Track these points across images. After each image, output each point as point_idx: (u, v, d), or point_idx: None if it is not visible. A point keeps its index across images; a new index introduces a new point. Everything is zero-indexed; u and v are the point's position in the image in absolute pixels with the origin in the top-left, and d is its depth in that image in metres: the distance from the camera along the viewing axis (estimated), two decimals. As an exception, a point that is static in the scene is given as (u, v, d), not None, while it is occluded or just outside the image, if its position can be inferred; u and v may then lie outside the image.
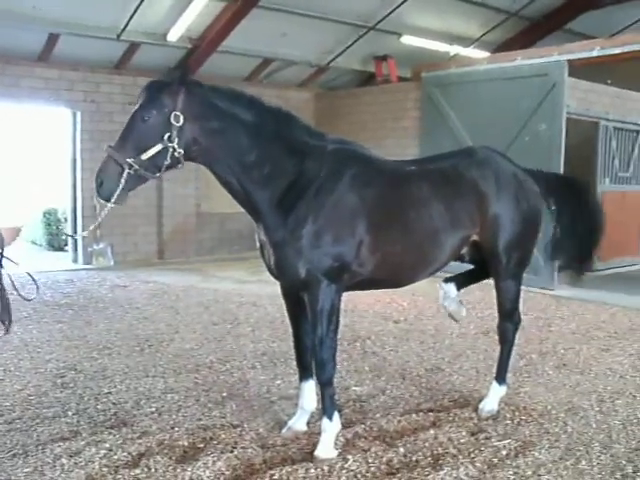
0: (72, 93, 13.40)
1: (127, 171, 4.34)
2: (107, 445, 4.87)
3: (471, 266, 5.76)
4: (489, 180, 5.25)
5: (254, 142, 4.60)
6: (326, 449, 4.71)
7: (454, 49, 15.54)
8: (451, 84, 13.08)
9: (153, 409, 5.65)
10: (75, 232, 13.90)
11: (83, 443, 4.92)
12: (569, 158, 11.82)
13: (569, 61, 11.44)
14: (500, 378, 5.70)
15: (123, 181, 4.34)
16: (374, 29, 14.27)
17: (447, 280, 5.69)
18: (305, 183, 4.67)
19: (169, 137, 4.38)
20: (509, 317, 5.60)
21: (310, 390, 5.14)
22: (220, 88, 4.74)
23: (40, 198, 17.25)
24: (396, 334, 8.29)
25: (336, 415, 4.81)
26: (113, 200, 4.40)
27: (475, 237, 5.30)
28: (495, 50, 15.74)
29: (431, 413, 5.53)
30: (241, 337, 8.12)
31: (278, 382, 6.40)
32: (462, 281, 5.77)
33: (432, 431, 5.12)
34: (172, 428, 5.21)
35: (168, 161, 4.44)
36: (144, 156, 4.37)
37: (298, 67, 15.49)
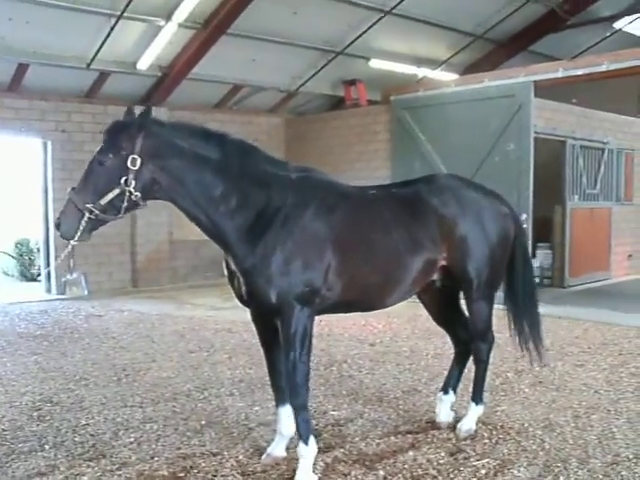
0: (43, 123, 13.37)
1: (87, 216, 4.46)
2: (85, 478, 4.84)
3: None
4: (450, 205, 5.33)
5: (218, 177, 4.67)
6: (305, 475, 4.70)
7: (422, 71, 15.75)
8: (420, 107, 13.25)
9: (132, 439, 5.62)
10: (48, 262, 13.83)
11: (61, 477, 4.88)
12: (538, 176, 12.03)
13: (535, 82, 11.68)
14: (477, 398, 5.75)
15: (83, 223, 4.46)
16: (342, 53, 14.45)
17: (446, 390, 5.87)
18: (272, 212, 4.73)
19: (126, 181, 4.45)
20: (482, 337, 5.63)
21: (287, 415, 5.09)
22: (182, 125, 4.83)
23: (12, 229, 17.12)
24: (372, 357, 8.33)
25: (312, 439, 4.77)
26: (75, 240, 4.54)
27: (443, 262, 5.34)
28: (463, 72, 16.00)
29: (409, 435, 5.56)
30: (218, 364, 8.10)
31: (256, 408, 6.39)
32: (457, 378, 6.01)
33: (411, 453, 5.16)
34: (152, 458, 5.18)
35: (125, 204, 4.52)
36: (103, 200, 4.47)
37: (268, 93, 15.60)
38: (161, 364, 8.12)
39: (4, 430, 5.94)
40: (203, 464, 5.02)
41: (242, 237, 4.69)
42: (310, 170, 5.21)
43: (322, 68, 14.79)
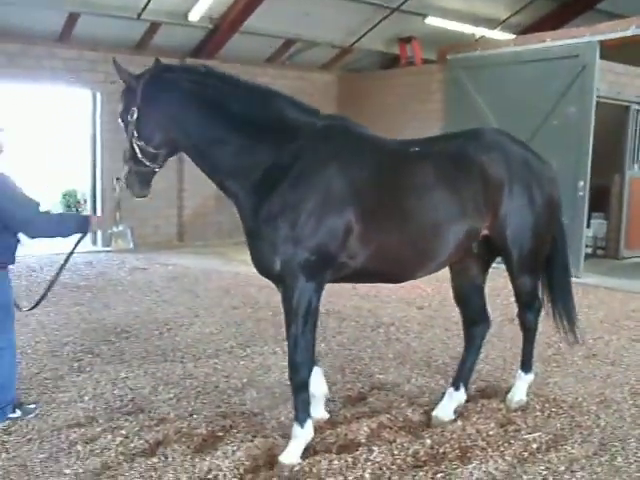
0: (92, 74, 13.21)
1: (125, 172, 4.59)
2: (123, 432, 4.73)
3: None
4: (499, 165, 4.76)
5: (219, 119, 4.39)
6: (291, 455, 4.32)
7: (480, 31, 15.19)
8: (477, 66, 12.77)
9: (171, 395, 5.51)
10: (94, 212, 13.80)
11: (99, 429, 4.79)
12: (597, 142, 11.52)
13: (601, 42, 11.11)
14: (526, 367, 5.49)
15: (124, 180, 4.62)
16: (398, 10, 13.98)
17: (456, 386, 5.23)
18: (285, 165, 4.32)
19: (132, 134, 4.42)
20: (529, 306, 5.29)
21: (318, 375, 4.81)
22: (194, 68, 4.62)
23: (60, 179, 17.16)
24: (420, 320, 8.10)
25: (309, 422, 4.44)
26: (136, 195, 4.77)
27: (485, 231, 4.83)
28: (522, 32, 15.38)
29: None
30: (262, 321, 7.96)
31: (299, 369, 6.23)
32: (469, 370, 5.38)
33: (459, 422, 4.94)
34: (190, 415, 5.06)
35: (140, 156, 4.46)
36: (130, 157, 4.54)
37: (321, 48, 15.24)
38: (204, 319, 8.00)
39: (46, 379, 5.90)
40: (243, 424, 4.89)
41: (249, 192, 4.37)
42: (342, 119, 4.77)
43: (377, 24, 14.35)
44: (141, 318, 8.05)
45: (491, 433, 4.78)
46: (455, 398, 5.15)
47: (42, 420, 4.99)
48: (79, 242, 5.62)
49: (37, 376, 5.95)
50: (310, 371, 4.49)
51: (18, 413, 5.03)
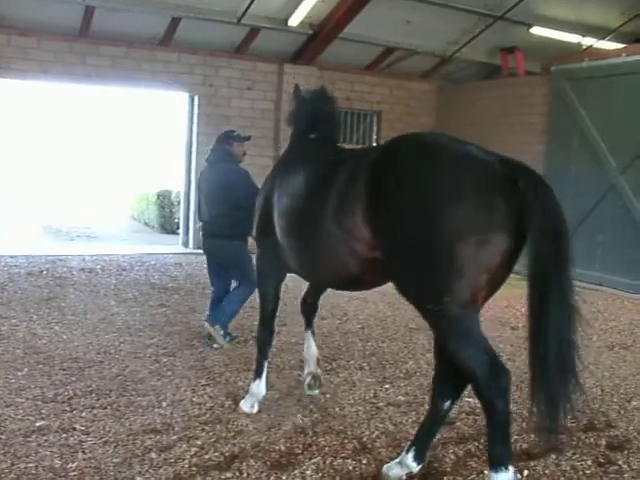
0: (191, 77, 13.35)
1: None
2: (199, 442, 4.58)
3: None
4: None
5: None
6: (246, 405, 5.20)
7: (587, 41, 14.48)
8: (583, 78, 12.18)
9: (251, 406, 5.33)
10: (187, 215, 13.88)
11: (175, 438, 4.66)
12: None
13: None
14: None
15: None
16: (502, 19, 13.48)
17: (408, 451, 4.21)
18: None
19: None
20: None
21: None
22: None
23: (155, 180, 17.43)
24: (513, 341, 7.68)
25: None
26: None
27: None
28: (634, 42, 14.60)
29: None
30: (349, 334, 7.73)
31: (386, 386, 5.94)
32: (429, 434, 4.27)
33: (553, 456, 4.56)
34: (269, 429, 4.85)
35: None
36: None
37: (421, 57, 14.90)
38: (290, 329, 7.78)
39: (126, 381, 5.82)
40: (323, 442, 4.65)
41: None
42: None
43: (480, 33, 13.89)
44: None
45: (588, 472, 4.39)
46: (406, 464, 4.18)
47: (119, 423, 4.89)
48: None
49: (117, 378, 5.88)
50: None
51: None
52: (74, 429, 4.77)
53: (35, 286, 9.59)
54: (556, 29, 13.95)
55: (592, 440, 4.91)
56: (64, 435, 4.66)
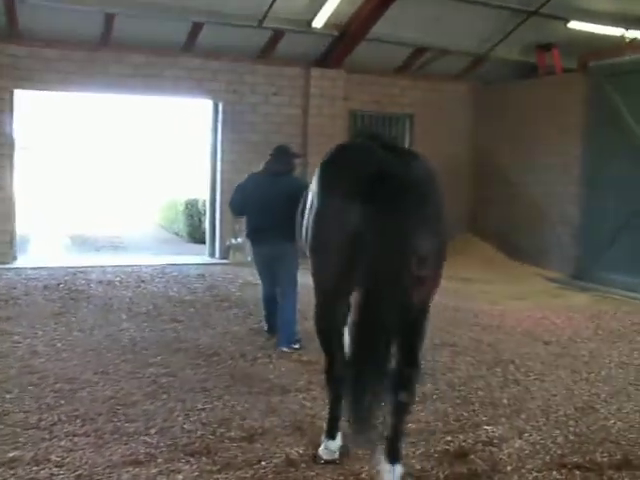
0: (214, 83, 12.97)
1: None
2: (180, 477, 4.14)
3: None
4: None
5: None
6: None
7: (631, 34, 13.65)
8: (625, 74, 11.48)
9: (245, 434, 4.85)
10: (213, 225, 13.53)
11: (155, 471, 4.27)
12: None
13: None
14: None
15: None
16: (537, 14, 12.78)
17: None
18: None
19: None
20: None
21: None
22: None
23: (183, 188, 17.14)
24: (544, 359, 7.08)
25: None
26: None
27: None
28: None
29: (578, 471, 4.36)
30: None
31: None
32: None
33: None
34: (259, 462, 4.38)
35: None
36: None
37: (453, 57, 14.29)
38: (306, 344, 7.29)
39: (117, 404, 5.44)
40: (316, 478, 4.16)
41: None
42: None
43: (513, 30, 13.21)
44: (238, 340, 7.50)
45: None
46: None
47: (99, 453, 4.49)
48: None
49: (109, 401, 5.48)
50: None
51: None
52: (48, 460, 4.38)
53: (48, 300, 9.29)
54: (596, 22, 13.22)
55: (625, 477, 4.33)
56: (35, 468, 4.27)
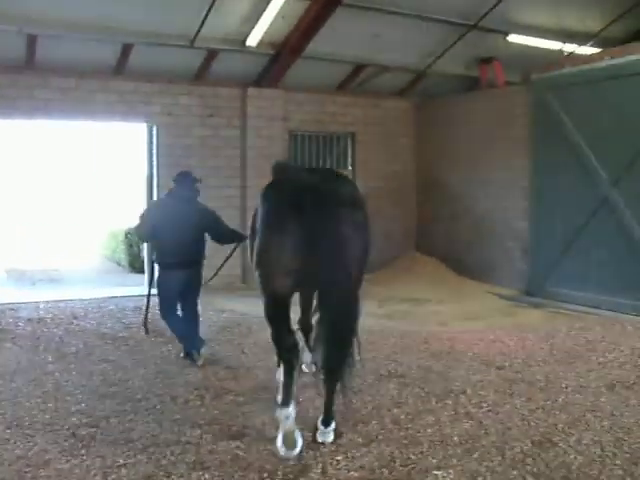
0: (148, 106, 12.46)
1: None
2: None
3: None
4: None
5: None
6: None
7: (568, 47, 13.59)
8: (566, 86, 11.30)
9: (167, 497, 4.35)
10: (151, 252, 12.93)
11: None
12: None
13: None
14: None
15: None
16: (476, 27, 12.61)
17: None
18: None
19: None
20: None
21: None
22: None
23: (123, 216, 16.54)
24: (498, 386, 6.69)
25: None
26: None
27: None
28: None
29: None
30: (306, 385, 6.71)
31: (339, 458, 4.93)
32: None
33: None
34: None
35: None
36: None
37: (394, 73, 14.01)
38: (242, 383, 6.83)
39: (28, 465, 4.85)
40: None
41: None
42: None
43: (454, 44, 13.00)
44: (171, 380, 6.95)
45: None
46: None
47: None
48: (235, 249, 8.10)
49: (18, 461, 4.88)
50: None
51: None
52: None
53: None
54: (535, 36, 13.12)
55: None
56: None
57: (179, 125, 12.69)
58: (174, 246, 7.49)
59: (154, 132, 12.69)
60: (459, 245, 13.78)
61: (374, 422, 5.59)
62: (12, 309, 10.69)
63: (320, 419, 5.23)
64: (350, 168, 14.52)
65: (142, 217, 7.76)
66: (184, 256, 7.53)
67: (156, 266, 7.99)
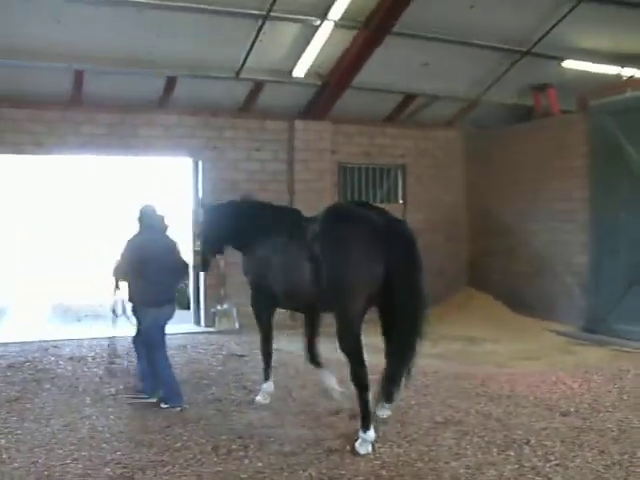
0: (193, 140, 12.26)
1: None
2: None
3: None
4: None
5: None
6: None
7: (627, 71, 13.01)
8: (629, 111, 10.76)
9: None
10: (198, 289, 12.67)
11: None
12: None
13: None
14: None
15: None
16: (529, 54, 12.13)
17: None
18: None
19: None
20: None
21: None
22: None
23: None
24: (564, 435, 6.14)
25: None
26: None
27: None
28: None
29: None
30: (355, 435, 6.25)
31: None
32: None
33: None
34: None
35: None
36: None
37: (444, 103, 13.63)
38: (289, 432, 6.38)
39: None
40: None
41: None
42: None
43: (506, 72, 12.56)
44: (213, 427, 6.55)
45: None
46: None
47: None
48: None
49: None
50: None
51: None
52: None
53: (8, 382, 8.35)
54: (591, 61, 12.57)
55: None
56: None
57: (224, 159, 12.46)
58: (161, 283, 7.31)
59: (199, 166, 12.46)
60: (515, 280, 13.20)
61: (430, 478, 5.10)
62: (55, 346, 10.49)
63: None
64: (401, 201, 14.10)
65: (127, 255, 7.48)
66: (169, 293, 7.53)
67: (131, 307, 7.78)
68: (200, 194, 12.41)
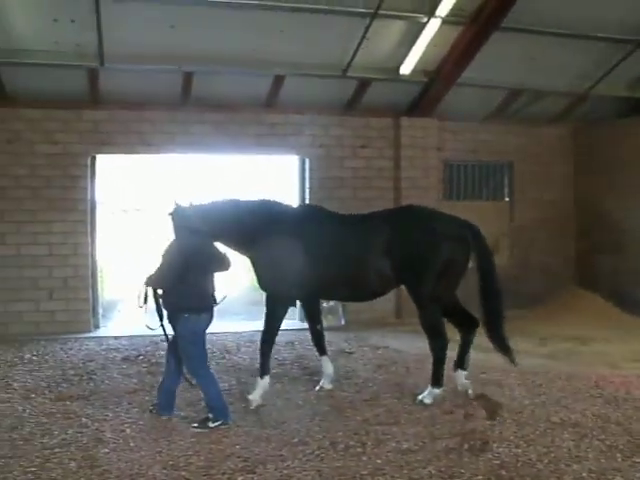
0: (299, 138, 12.40)
1: None
2: None
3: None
4: None
5: None
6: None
7: None
8: None
9: None
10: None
11: None
12: None
13: None
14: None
15: None
16: (643, 43, 11.72)
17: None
18: None
19: None
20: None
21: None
22: None
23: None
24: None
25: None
26: None
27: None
28: None
29: None
30: (475, 434, 6.23)
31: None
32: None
33: None
34: None
35: None
36: None
37: (551, 98, 13.32)
38: (405, 430, 6.41)
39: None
40: None
41: None
42: None
43: (617, 64, 12.14)
44: (329, 423, 6.64)
45: None
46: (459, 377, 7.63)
47: None
48: None
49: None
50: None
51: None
52: None
53: (125, 375, 8.72)
54: None
55: None
56: None
57: (330, 157, 12.56)
58: (207, 287, 6.89)
59: (306, 164, 12.62)
60: (625, 279, 12.83)
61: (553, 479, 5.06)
62: (164, 341, 10.77)
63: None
64: (507, 199, 13.91)
65: (170, 260, 6.77)
66: (212, 296, 6.92)
67: (167, 314, 6.95)
68: (307, 192, 12.58)
